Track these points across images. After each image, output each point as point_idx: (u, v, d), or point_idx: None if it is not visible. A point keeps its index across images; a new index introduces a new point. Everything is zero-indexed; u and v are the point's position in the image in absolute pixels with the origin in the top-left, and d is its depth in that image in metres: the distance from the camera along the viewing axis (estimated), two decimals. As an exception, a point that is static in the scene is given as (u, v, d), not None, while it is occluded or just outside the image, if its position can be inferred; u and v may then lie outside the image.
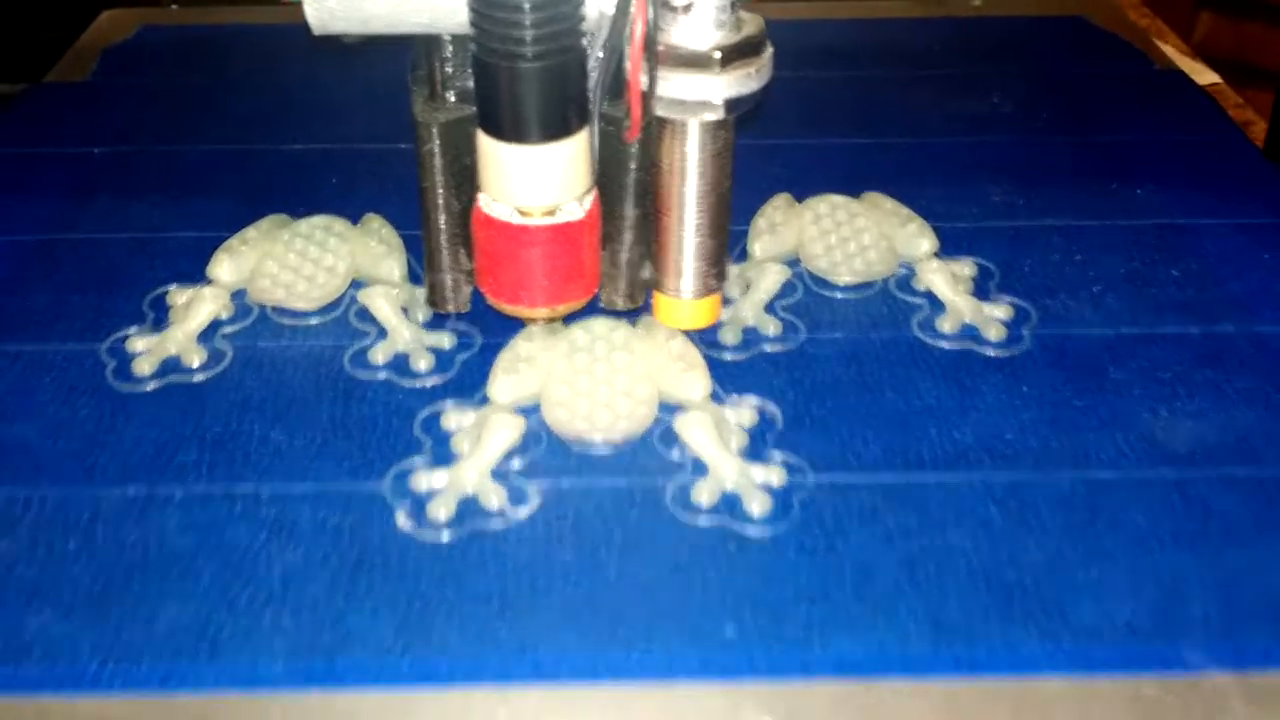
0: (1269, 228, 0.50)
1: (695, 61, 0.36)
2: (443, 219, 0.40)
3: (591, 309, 0.42)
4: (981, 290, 0.46)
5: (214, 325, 0.44)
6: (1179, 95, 0.61)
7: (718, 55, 0.36)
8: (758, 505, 0.36)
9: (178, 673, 0.31)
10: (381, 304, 0.43)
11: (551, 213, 0.37)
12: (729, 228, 0.41)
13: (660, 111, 0.38)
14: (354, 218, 0.48)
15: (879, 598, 0.33)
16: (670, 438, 0.39)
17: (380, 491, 0.37)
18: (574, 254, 0.39)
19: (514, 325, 0.42)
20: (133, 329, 0.43)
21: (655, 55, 0.36)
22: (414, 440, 0.39)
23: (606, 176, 0.39)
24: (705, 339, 0.43)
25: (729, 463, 0.37)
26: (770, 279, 0.45)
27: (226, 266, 0.45)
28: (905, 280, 0.46)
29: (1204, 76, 0.77)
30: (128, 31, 0.67)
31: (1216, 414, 0.40)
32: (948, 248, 0.47)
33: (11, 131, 0.57)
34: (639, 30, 0.35)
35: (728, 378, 0.41)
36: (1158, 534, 0.35)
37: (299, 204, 0.50)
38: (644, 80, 0.36)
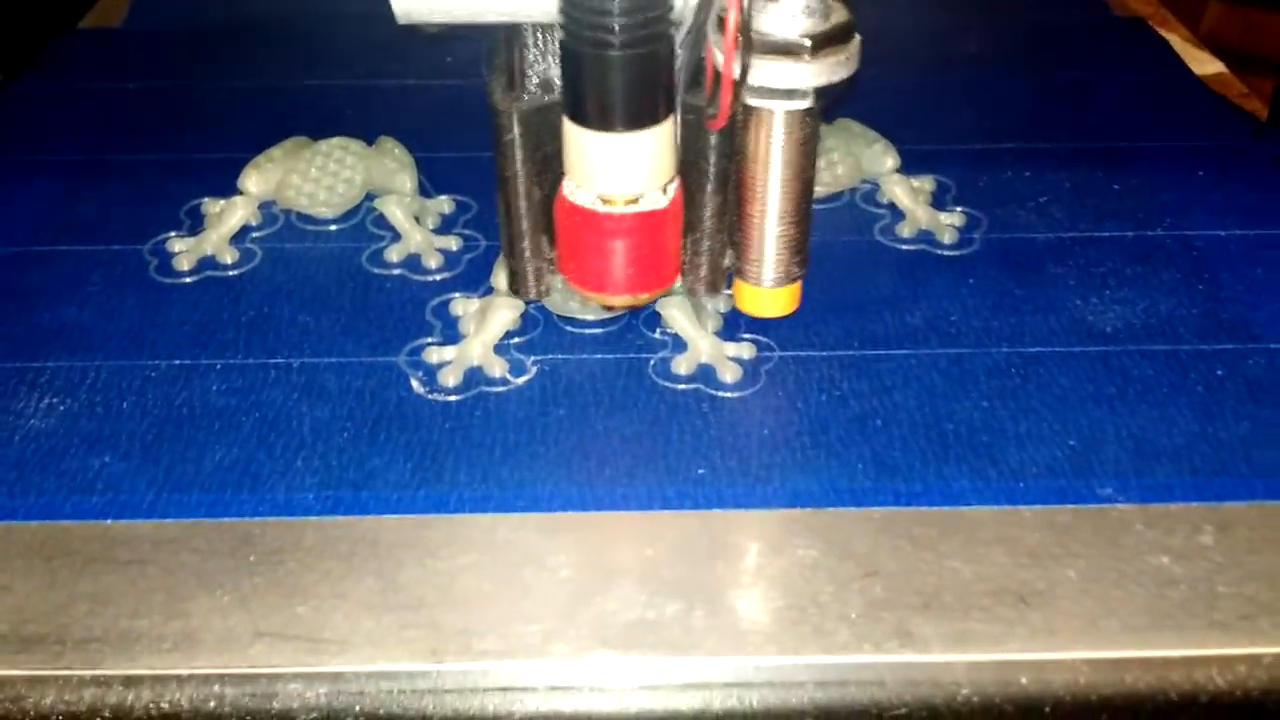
0: (1207, 149, 0.54)
1: (785, 49, 0.36)
2: (524, 207, 0.40)
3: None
4: (939, 202, 0.51)
5: (244, 231, 0.49)
6: (1133, 37, 0.66)
7: (808, 43, 0.36)
8: (730, 374, 0.41)
9: (222, 502, 0.36)
10: (395, 210, 0.48)
11: (635, 201, 0.37)
12: (811, 215, 0.41)
13: (748, 99, 0.37)
14: (369, 141, 0.53)
15: (831, 444, 0.38)
16: (654, 320, 0.44)
17: (396, 363, 0.42)
18: (656, 242, 0.38)
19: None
20: (172, 233, 0.48)
21: (750, 44, 0.35)
22: (425, 323, 0.44)
23: (687, 164, 0.39)
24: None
25: (705, 339, 0.42)
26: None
27: (254, 179, 0.49)
28: (870, 194, 0.51)
29: (1208, 66, 0.80)
30: (155, -16, 0.72)
31: (1141, 301, 0.45)
32: (910, 167, 0.52)
33: (50, 71, 0.62)
34: (733, 18, 0.34)
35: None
36: (1080, 395, 0.40)
37: (319, 129, 0.55)
38: (736, 69, 0.36)
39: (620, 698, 0.32)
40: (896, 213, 0.50)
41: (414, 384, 0.41)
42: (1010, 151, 0.54)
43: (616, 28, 0.34)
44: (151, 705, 0.31)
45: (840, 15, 0.36)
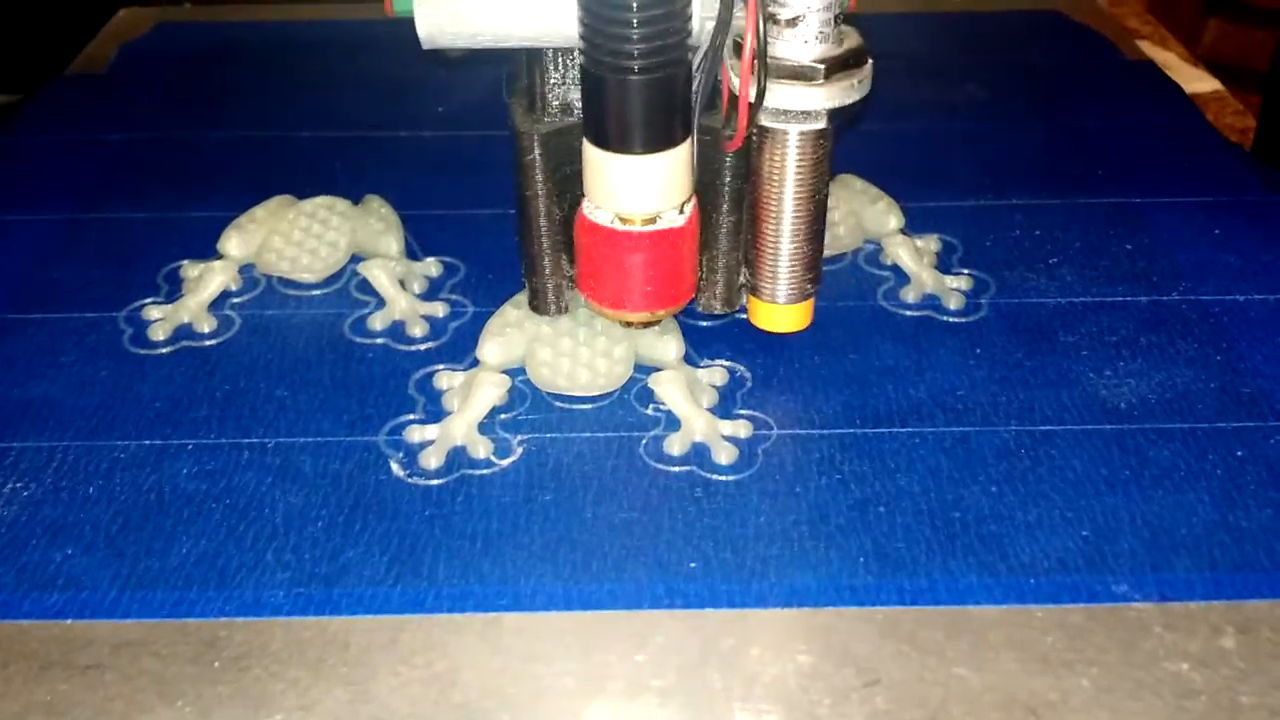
0: (1220, 205, 0.52)
1: (800, 73, 0.37)
2: (544, 226, 0.41)
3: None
4: (944, 264, 0.49)
5: (224, 296, 0.47)
6: (1145, 83, 0.64)
7: (822, 67, 0.37)
8: (725, 455, 0.39)
9: (188, 600, 0.34)
10: (380, 275, 0.47)
11: (652, 220, 0.38)
12: (824, 234, 0.42)
13: (763, 121, 0.38)
14: (356, 198, 0.51)
15: (831, 534, 0.36)
16: (646, 396, 0.42)
17: (376, 443, 0.40)
18: (673, 261, 0.39)
19: (502, 298, 0.45)
20: (148, 299, 0.47)
21: (766, 68, 0.36)
22: (408, 398, 0.42)
23: (703, 184, 0.40)
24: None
25: (699, 417, 0.40)
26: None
27: (235, 241, 0.48)
28: (873, 255, 0.49)
29: (1205, 83, 0.79)
30: (144, 29, 0.71)
31: (1157, 373, 0.43)
32: (914, 225, 0.50)
33: (34, 122, 0.61)
34: (749, 44, 0.35)
35: (701, 342, 0.44)
36: (1094, 479, 0.38)
37: (304, 188, 0.53)
38: (752, 93, 0.36)
39: (605, 818, 0.30)
40: (900, 275, 0.48)
41: (394, 467, 0.39)
42: (1018, 208, 0.53)
43: (636, 53, 0.35)
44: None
45: (853, 41, 0.38)
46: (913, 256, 0.48)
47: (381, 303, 0.46)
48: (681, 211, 0.39)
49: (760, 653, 0.33)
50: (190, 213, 0.52)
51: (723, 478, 0.39)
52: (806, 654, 0.33)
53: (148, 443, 0.40)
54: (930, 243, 0.50)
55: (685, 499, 0.38)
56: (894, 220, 0.50)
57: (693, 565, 0.36)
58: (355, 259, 0.49)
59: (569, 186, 0.41)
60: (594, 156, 0.38)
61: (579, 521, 0.37)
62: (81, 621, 0.34)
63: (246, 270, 0.48)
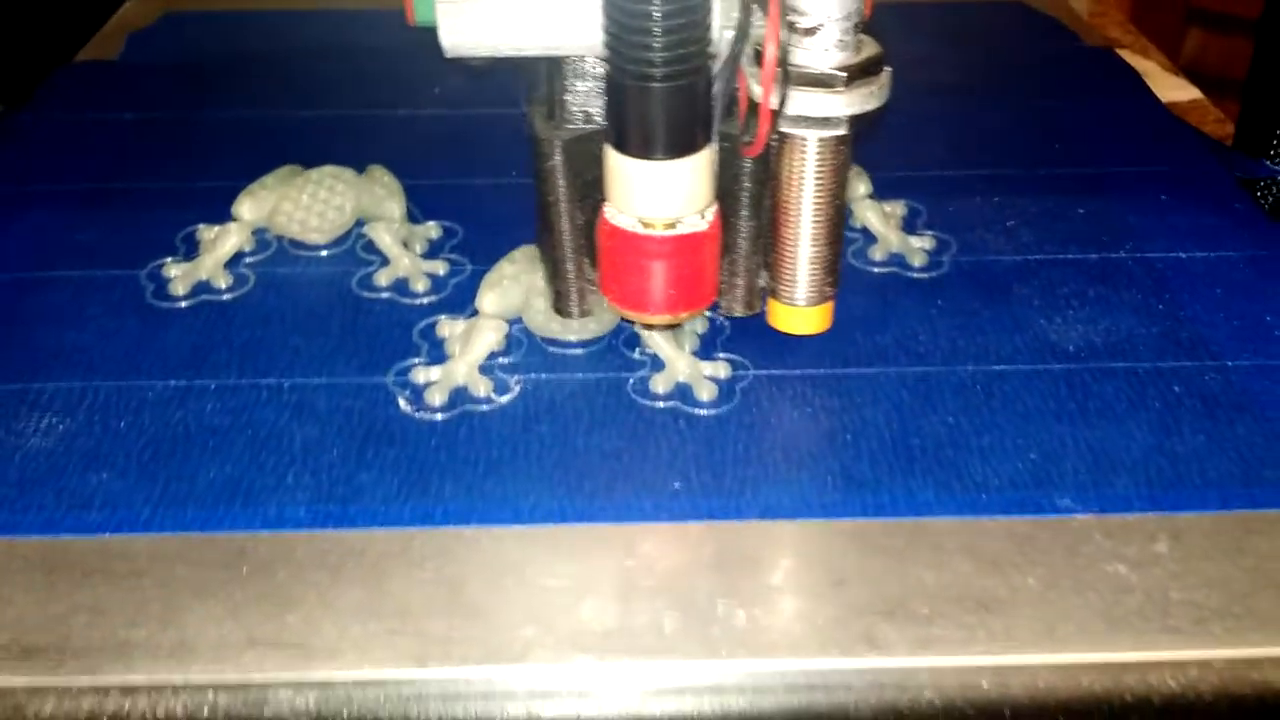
0: (1170, 175, 0.56)
1: (820, 81, 0.38)
2: (567, 231, 0.42)
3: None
4: (909, 226, 0.53)
5: (238, 257, 0.50)
6: (1102, 68, 0.68)
7: (843, 75, 0.38)
8: (706, 392, 0.43)
9: (216, 517, 0.38)
10: (384, 236, 0.50)
11: (673, 225, 0.39)
12: (844, 237, 0.43)
13: (784, 127, 0.39)
14: (359, 169, 0.54)
15: (803, 459, 0.40)
16: (633, 341, 0.45)
17: (384, 383, 0.43)
18: (694, 265, 0.40)
19: (500, 255, 0.48)
20: (167, 259, 0.50)
21: (787, 76, 0.37)
22: (412, 345, 0.45)
23: (722, 189, 0.41)
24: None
25: (683, 359, 0.44)
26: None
27: (248, 206, 0.51)
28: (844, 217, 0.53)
29: (1184, 92, 0.82)
30: (152, 18, 0.74)
31: (1103, 320, 0.46)
32: (882, 192, 0.54)
33: (50, 102, 0.64)
34: (771, 53, 0.36)
35: (684, 295, 0.48)
36: (1042, 411, 0.42)
37: (310, 158, 0.56)
38: (774, 100, 0.37)
39: (598, 702, 0.33)
40: (869, 236, 0.52)
41: (401, 403, 0.42)
42: (981, 178, 0.56)
43: (659, 61, 0.36)
44: (148, 712, 0.33)
45: (871, 49, 0.39)
46: (880, 219, 0.52)
47: (386, 261, 0.50)
48: (703, 216, 0.39)
49: (738, 559, 0.36)
50: (203, 183, 0.56)
51: (704, 412, 0.42)
52: (780, 559, 0.36)
53: (173, 383, 0.43)
54: (897, 208, 0.53)
55: (670, 430, 0.41)
56: (863, 187, 0.53)
57: (676, 485, 0.39)
58: (360, 223, 0.52)
59: (590, 192, 0.41)
60: (616, 162, 0.38)
61: (572, 450, 0.40)
62: (119, 535, 0.37)
63: (259, 234, 0.51)
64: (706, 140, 0.38)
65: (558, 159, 0.41)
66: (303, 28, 0.73)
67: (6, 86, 0.71)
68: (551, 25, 0.39)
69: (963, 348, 0.45)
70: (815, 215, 0.41)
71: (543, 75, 0.42)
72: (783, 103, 0.38)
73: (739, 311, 0.44)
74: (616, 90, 0.37)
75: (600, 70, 0.40)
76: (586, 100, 0.41)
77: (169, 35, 0.72)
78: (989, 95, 0.64)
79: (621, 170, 0.38)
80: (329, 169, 0.54)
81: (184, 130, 0.61)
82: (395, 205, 0.52)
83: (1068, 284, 0.49)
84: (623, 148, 0.38)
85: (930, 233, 0.52)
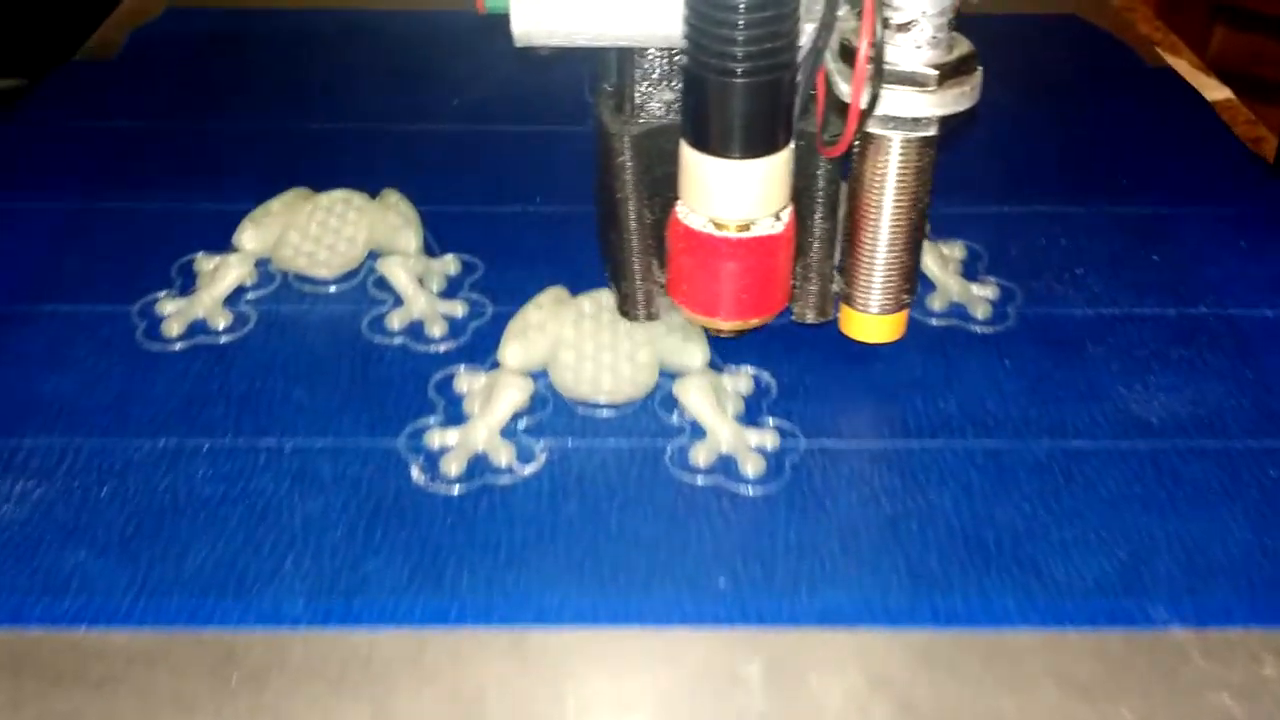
0: (1247, 216, 0.52)
1: (911, 79, 0.36)
2: (635, 230, 0.40)
3: (596, 284, 0.44)
4: (970, 270, 0.48)
5: (239, 291, 0.46)
6: (1165, 90, 0.63)
7: (934, 73, 0.36)
8: (752, 466, 0.38)
9: (205, 609, 0.34)
10: (398, 272, 0.46)
11: (746, 227, 0.37)
12: (923, 243, 0.41)
13: (871, 127, 0.37)
14: (373, 192, 0.50)
15: (863, 552, 0.36)
16: (670, 402, 0.41)
17: (395, 448, 0.39)
18: (766, 269, 0.38)
19: (523, 297, 0.44)
20: (161, 293, 0.46)
21: (881, 74, 0.35)
22: (428, 401, 0.41)
23: (796, 190, 0.39)
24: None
25: (725, 426, 0.39)
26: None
27: (251, 235, 0.47)
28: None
29: (1216, 92, 0.78)
30: (154, 14, 0.69)
31: (1188, 388, 0.42)
32: (939, 231, 0.49)
33: (43, 107, 0.60)
34: (864, 49, 0.34)
35: (726, 348, 0.43)
36: (1128, 498, 0.38)
37: (319, 180, 0.52)
38: (864, 99, 0.35)
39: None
40: (925, 282, 0.47)
41: (414, 472, 0.38)
42: (1043, 215, 0.52)
43: (741, 55, 0.34)
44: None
45: (964, 47, 0.37)
46: (938, 263, 0.47)
47: (399, 300, 0.45)
48: (778, 218, 0.38)
49: (793, 675, 0.32)
50: (203, 204, 0.51)
51: (750, 491, 0.38)
52: (841, 678, 0.32)
53: (162, 442, 0.39)
54: (955, 249, 0.49)
55: (712, 512, 0.37)
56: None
57: (721, 582, 0.35)
58: (373, 254, 0.48)
59: (659, 189, 0.40)
60: (692, 159, 0.37)
61: (605, 533, 0.36)
62: (95, 631, 0.33)
63: (262, 265, 0.47)
64: (787, 140, 0.37)
65: (627, 154, 0.39)
66: (316, 26, 0.68)
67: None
68: (630, 15, 0.37)
69: (1036, 419, 0.41)
70: (896, 219, 0.39)
71: (612, 66, 0.40)
72: (874, 102, 0.35)
73: (811, 318, 0.42)
74: (696, 84, 0.36)
75: (674, 62, 0.38)
76: (658, 93, 0.39)
77: (172, 33, 0.67)
78: (1046, 120, 0.60)
79: (696, 168, 0.37)
80: (339, 194, 0.49)
81: (184, 142, 0.56)
82: (411, 236, 0.47)
83: (1146, 343, 0.44)
84: (699, 144, 0.36)
85: (993, 279, 0.47)
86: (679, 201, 0.38)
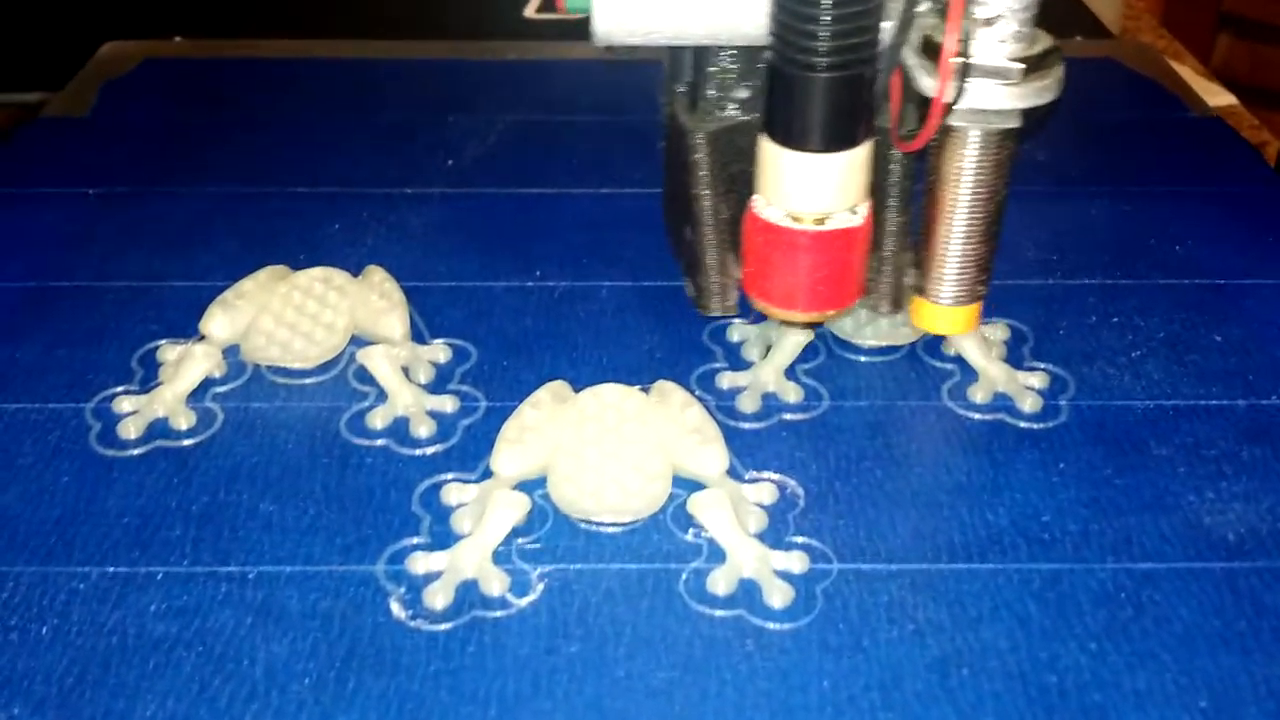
0: (1317, 290, 0.47)
1: (996, 73, 0.36)
2: (711, 225, 0.41)
3: (601, 376, 0.40)
4: (1015, 355, 0.44)
5: (206, 383, 0.42)
6: (1217, 143, 0.59)
7: (1019, 66, 0.36)
8: (779, 597, 0.34)
9: (151, 779, 0.29)
10: (381, 364, 0.41)
11: (823, 220, 0.37)
12: (1000, 235, 0.40)
13: (953, 120, 0.37)
14: (356, 266, 0.46)
15: (908, 704, 0.31)
16: (685, 518, 0.36)
17: (374, 574, 0.35)
18: (844, 261, 0.38)
19: (519, 391, 0.40)
20: (120, 388, 0.41)
21: (967, 69, 0.35)
22: (411, 516, 0.37)
23: (873, 183, 0.38)
24: (722, 408, 0.41)
25: (747, 548, 0.35)
26: (791, 341, 0.43)
27: (220, 322, 0.43)
28: (934, 344, 0.44)
29: (1220, 98, 0.76)
30: (130, 64, 0.65)
31: (1265, 496, 0.38)
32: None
33: (9, 167, 0.56)
34: (951, 44, 0.34)
35: (746, 449, 0.39)
36: (1206, 633, 0.33)
37: (300, 250, 0.48)
38: (949, 93, 0.35)
39: None
40: (966, 368, 0.43)
41: (394, 606, 0.34)
42: (1092, 289, 0.47)
43: (824, 50, 0.34)
44: None
45: (1045, 42, 0.36)
46: (979, 348, 0.43)
47: (383, 395, 0.41)
48: (855, 212, 0.37)
49: None
50: (172, 281, 0.47)
51: (777, 625, 0.33)
52: None
53: (111, 570, 0.35)
54: (998, 330, 0.45)
55: (734, 653, 0.33)
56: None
57: (746, 743, 0.30)
58: (355, 340, 0.43)
59: (735, 186, 0.40)
60: (771, 152, 0.36)
61: (610, 682, 0.32)
62: (22, 809, 0.29)
63: (232, 353, 0.43)
64: (867, 134, 0.36)
65: (703, 151, 0.40)
66: (299, 79, 0.64)
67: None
68: (714, 11, 0.37)
69: (1097, 534, 0.36)
70: (973, 212, 0.38)
71: (686, 65, 0.40)
72: (959, 96, 0.35)
73: (885, 310, 0.42)
74: (778, 79, 0.36)
75: (749, 60, 0.38)
76: (734, 90, 0.39)
77: (147, 86, 0.63)
78: (1089, 178, 0.56)
79: (776, 161, 0.36)
80: (318, 272, 0.45)
81: (155, 208, 0.52)
82: (396, 322, 0.43)
83: (1215, 443, 0.40)
84: (779, 138, 0.36)
85: (1041, 366, 0.43)
86: (755, 195, 0.38)
